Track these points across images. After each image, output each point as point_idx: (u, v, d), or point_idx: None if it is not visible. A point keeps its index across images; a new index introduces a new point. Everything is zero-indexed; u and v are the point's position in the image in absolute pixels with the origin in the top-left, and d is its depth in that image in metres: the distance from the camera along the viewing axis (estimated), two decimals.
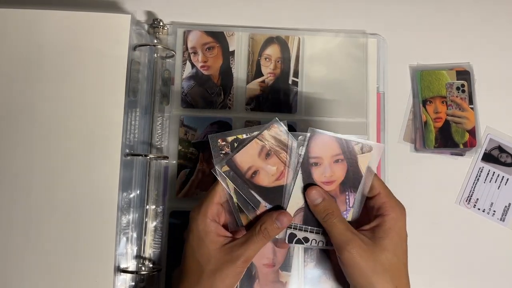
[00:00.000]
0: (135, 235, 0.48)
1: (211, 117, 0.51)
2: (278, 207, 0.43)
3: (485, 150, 0.53)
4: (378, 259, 0.40)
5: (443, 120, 0.52)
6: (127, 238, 0.47)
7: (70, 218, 0.45)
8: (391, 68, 0.54)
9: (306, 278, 0.49)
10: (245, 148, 0.43)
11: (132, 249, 0.48)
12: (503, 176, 0.53)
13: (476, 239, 0.52)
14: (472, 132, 0.52)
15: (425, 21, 0.55)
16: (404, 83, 0.54)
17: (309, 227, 0.43)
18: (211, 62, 0.52)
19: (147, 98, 0.50)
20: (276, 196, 0.43)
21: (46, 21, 0.47)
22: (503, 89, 0.54)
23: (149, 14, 0.54)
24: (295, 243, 0.44)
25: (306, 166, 0.42)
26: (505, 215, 0.53)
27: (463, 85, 0.53)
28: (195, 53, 0.52)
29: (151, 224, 0.49)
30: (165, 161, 0.50)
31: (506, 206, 0.53)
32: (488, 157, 0.53)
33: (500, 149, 0.53)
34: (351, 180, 0.43)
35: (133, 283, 0.47)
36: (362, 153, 0.43)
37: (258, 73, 0.52)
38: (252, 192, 0.43)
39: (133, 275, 0.47)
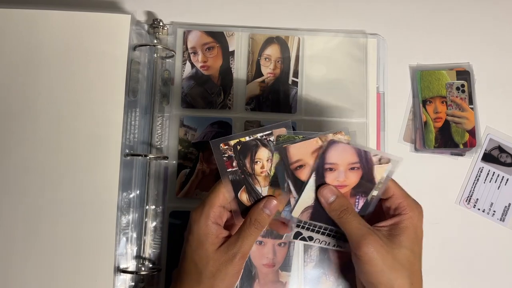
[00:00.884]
0: (135, 235, 0.48)
1: (211, 117, 0.51)
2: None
3: (485, 150, 0.53)
4: (395, 255, 0.40)
5: (443, 120, 0.52)
6: (127, 238, 0.47)
7: (70, 218, 0.45)
8: (391, 68, 0.54)
9: (306, 278, 0.49)
10: (303, 143, 0.42)
11: (132, 249, 0.48)
12: (503, 176, 0.53)
13: (476, 239, 0.52)
14: (472, 132, 0.52)
15: (425, 21, 0.55)
16: (404, 83, 0.54)
17: (316, 227, 0.43)
18: (211, 62, 0.52)
19: (147, 98, 0.50)
20: None
21: (46, 21, 0.47)
22: (503, 89, 0.54)
23: (149, 14, 0.54)
24: (300, 239, 0.44)
25: (320, 170, 0.42)
26: (505, 215, 0.53)
27: (463, 85, 0.53)
28: (195, 53, 0.52)
29: (151, 224, 0.49)
30: (165, 161, 0.50)
31: (506, 206, 0.53)
32: (488, 157, 0.53)
33: (500, 149, 0.53)
34: (363, 186, 0.43)
35: (133, 283, 0.47)
36: (380, 163, 0.42)
37: (258, 73, 0.52)
38: (289, 180, 0.43)
39: (133, 275, 0.47)
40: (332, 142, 0.42)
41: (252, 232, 0.41)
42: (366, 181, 0.43)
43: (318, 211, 0.43)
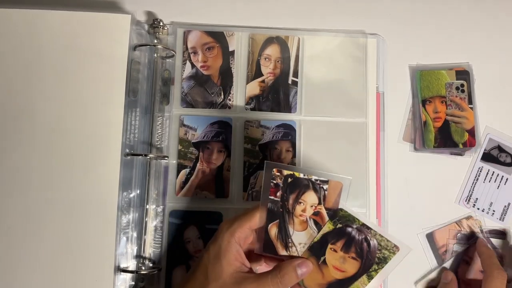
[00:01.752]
0: (135, 234, 0.48)
1: (211, 117, 0.51)
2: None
3: (485, 149, 0.53)
4: None
5: (442, 120, 0.52)
6: (127, 238, 0.47)
7: (70, 217, 0.45)
8: (390, 68, 0.54)
9: None
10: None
11: (132, 249, 0.48)
12: (502, 176, 0.53)
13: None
14: (472, 132, 0.52)
15: (424, 21, 0.55)
16: (404, 83, 0.54)
17: None
18: (211, 62, 0.52)
19: (147, 98, 0.50)
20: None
21: (46, 21, 0.47)
22: (503, 89, 0.54)
23: (149, 14, 0.54)
24: None
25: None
26: (505, 215, 0.53)
27: (462, 85, 0.53)
28: (195, 53, 0.52)
29: (151, 224, 0.49)
30: (165, 160, 0.50)
31: (505, 206, 0.53)
32: (487, 157, 0.53)
33: (500, 148, 0.53)
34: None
35: (133, 283, 0.47)
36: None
37: (258, 73, 0.52)
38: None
39: (133, 274, 0.47)
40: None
41: (273, 284, 0.39)
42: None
43: None
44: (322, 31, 0.54)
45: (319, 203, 0.42)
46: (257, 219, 0.41)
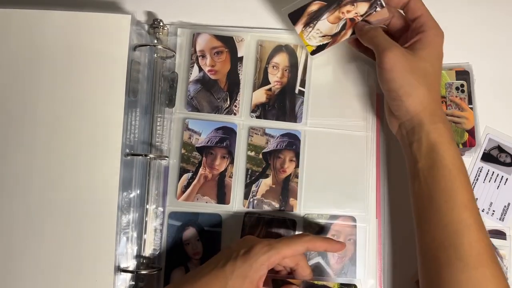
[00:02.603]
0: (135, 234, 0.48)
1: (216, 122, 0.51)
2: None
3: (485, 149, 0.53)
4: (416, 65, 0.43)
5: None
6: (127, 238, 0.47)
7: (70, 217, 0.45)
8: None
9: None
10: None
11: (132, 249, 0.48)
12: (502, 176, 0.53)
13: None
14: (472, 132, 0.52)
15: None
16: None
17: None
18: (219, 67, 0.52)
19: (147, 98, 0.50)
20: None
21: (46, 21, 0.47)
22: (503, 89, 0.54)
23: (149, 14, 0.54)
24: None
25: None
26: (505, 215, 0.53)
27: (462, 85, 0.53)
28: (203, 56, 0.52)
29: (151, 224, 0.49)
30: (165, 160, 0.50)
31: (505, 206, 0.53)
32: (487, 157, 0.53)
33: (500, 148, 0.53)
34: None
35: (133, 283, 0.47)
36: None
37: (265, 81, 0.52)
38: None
39: (133, 274, 0.47)
40: None
41: None
42: None
43: None
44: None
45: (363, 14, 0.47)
46: (293, 249, 0.41)
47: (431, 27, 0.45)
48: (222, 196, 0.50)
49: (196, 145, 0.51)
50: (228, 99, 0.52)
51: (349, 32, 0.49)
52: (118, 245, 0.46)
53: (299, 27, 0.49)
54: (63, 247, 0.45)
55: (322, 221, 0.50)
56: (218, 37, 0.52)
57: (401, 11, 0.48)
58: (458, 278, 0.39)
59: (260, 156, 0.51)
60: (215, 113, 0.51)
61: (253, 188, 0.50)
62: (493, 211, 0.53)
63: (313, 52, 0.49)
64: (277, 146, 0.51)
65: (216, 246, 0.49)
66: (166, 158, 0.50)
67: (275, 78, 0.52)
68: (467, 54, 0.54)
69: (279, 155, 0.51)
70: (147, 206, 0.49)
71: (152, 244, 0.49)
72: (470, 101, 0.52)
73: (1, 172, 0.45)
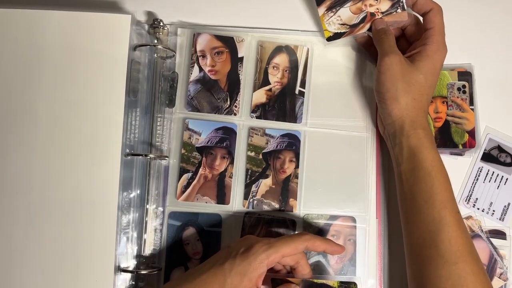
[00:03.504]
0: (135, 234, 0.48)
1: (216, 122, 0.51)
2: None
3: (485, 149, 0.53)
4: (409, 74, 0.45)
5: (443, 120, 0.52)
6: (127, 238, 0.47)
7: (70, 217, 0.45)
8: None
9: None
10: None
11: (132, 249, 0.48)
12: (502, 176, 0.53)
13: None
14: (472, 133, 0.52)
15: None
16: None
17: None
18: (219, 67, 0.52)
19: (148, 98, 0.50)
20: None
21: (46, 21, 0.47)
22: (503, 89, 0.54)
23: (149, 14, 0.54)
24: None
25: None
26: (505, 215, 0.53)
27: (464, 86, 0.53)
28: (203, 56, 0.52)
29: (151, 224, 0.49)
30: (165, 160, 0.50)
31: (505, 206, 0.53)
32: (487, 157, 0.53)
33: (500, 148, 0.53)
34: None
35: (133, 283, 0.47)
36: None
37: (265, 81, 0.52)
38: None
39: (133, 274, 0.47)
40: None
41: None
42: None
43: None
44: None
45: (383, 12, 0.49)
46: (292, 248, 0.42)
47: (434, 42, 0.46)
48: (222, 196, 0.50)
49: (196, 145, 0.51)
50: (228, 99, 0.52)
51: (367, 26, 0.49)
52: (118, 245, 0.46)
53: (322, 9, 0.50)
54: (63, 247, 0.45)
55: (322, 221, 0.50)
56: (219, 37, 0.52)
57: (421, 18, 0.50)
58: (439, 273, 0.41)
59: (260, 156, 0.51)
60: (215, 113, 0.51)
61: (253, 188, 0.50)
62: (493, 211, 0.53)
63: (329, 39, 0.50)
64: (277, 146, 0.51)
65: (216, 246, 0.50)
66: (166, 158, 0.50)
67: (275, 78, 0.52)
68: (468, 55, 0.54)
69: (279, 155, 0.51)
70: (147, 206, 0.49)
71: (152, 244, 0.49)
72: (471, 102, 0.52)
73: (1, 171, 0.45)
